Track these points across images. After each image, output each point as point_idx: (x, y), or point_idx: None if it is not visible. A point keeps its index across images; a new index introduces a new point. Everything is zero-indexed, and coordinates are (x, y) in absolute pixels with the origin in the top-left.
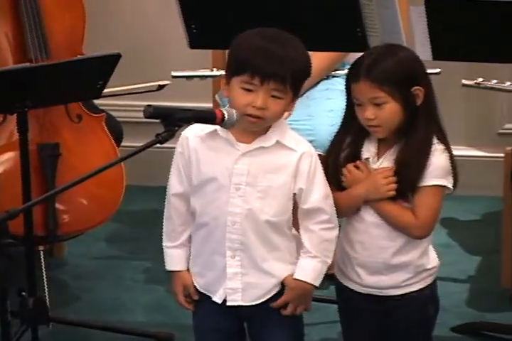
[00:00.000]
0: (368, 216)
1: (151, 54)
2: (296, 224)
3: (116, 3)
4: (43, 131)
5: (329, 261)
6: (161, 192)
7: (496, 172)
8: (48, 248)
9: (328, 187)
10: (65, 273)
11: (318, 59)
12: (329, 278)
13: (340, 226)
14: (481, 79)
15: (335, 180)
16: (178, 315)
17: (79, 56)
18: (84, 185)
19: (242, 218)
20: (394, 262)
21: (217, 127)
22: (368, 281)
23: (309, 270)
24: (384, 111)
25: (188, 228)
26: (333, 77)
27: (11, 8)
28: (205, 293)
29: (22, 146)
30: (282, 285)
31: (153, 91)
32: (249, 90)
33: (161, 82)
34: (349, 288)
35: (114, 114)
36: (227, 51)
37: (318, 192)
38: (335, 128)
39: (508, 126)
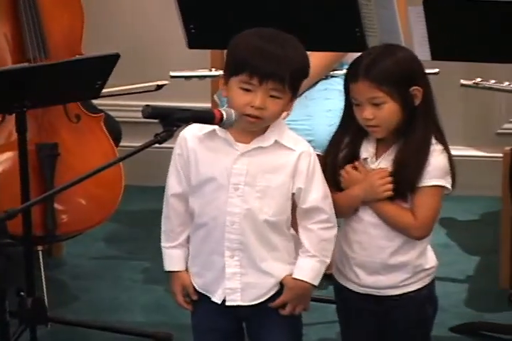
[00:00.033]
0: (366, 216)
1: (149, 54)
2: (294, 224)
3: (116, 3)
4: (42, 131)
5: (328, 260)
6: (159, 192)
7: (494, 172)
8: (47, 248)
9: (326, 187)
10: (64, 273)
11: (316, 59)
12: (328, 278)
13: (338, 226)
14: (479, 79)
15: (333, 180)
16: (177, 315)
17: (77, 56)
18: (83, 185)
19: (240, 218)
20: (392, 262)
21: (216, 127)
22: (366, 281)
23: (308, 269)
24: (382, 111)
25: (187, 228)
26: (332, 77)
27: (10, 8)
28: (204, 293)
29: (21, 146)
30: (281, 285)
31: (152, 91)
32: (247, 90)
33: (160, 82)
34: (347, 288)
35: (112, 113)
36: (225, 51)
37: (317, 192)
38: (333, 128)
39: (506, 126)
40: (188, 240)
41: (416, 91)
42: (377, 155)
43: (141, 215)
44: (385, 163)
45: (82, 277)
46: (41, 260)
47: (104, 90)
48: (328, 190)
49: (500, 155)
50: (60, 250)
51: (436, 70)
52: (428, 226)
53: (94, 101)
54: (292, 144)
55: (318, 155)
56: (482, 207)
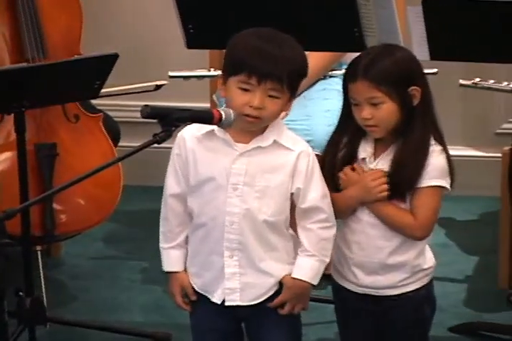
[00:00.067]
0: (365, 216)
1: (148, 54)
2: (293, 224)
3: (114, 4)
4: (41, 131)
5: (327, 259)
6: (158, 192)
7: (493, 172)
8: (45, 248)
9: (325, 186)
10: (63, 273)
11: (314, 59)
12: (326, 278)
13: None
14: (478, 79)
15: (331, 180)
16: (176, 315)
17: (76, 56)
18: (82, 185)
19: (240, 218)
20: (390, 262)
21: (215, 127)
22: (364, 281)
23: (307, 268)
24: (381, 111)
25: (185, 229)
26: (331, 77)
27: (8, 8)
28: (203, 293)
29: (19, 146)
30: (280, 285)
31: (151, 91)
32: (246, 90)
33: (159, 82)
34: (346, 288)
35: (111, 113)
36: (224, 51)
37: (316, 191)
38: (332, 128)
39: (505, 126)
40: (186, 240)
41: (414, 91)
42: (376, 155)
43: (139, 215)
44: (384, 163)
45: (80, 277)
46: (40, 260)
47: (102, 90)
48: (326, 190)
49: (499, 155)
50: (58, 250)
51: (434, 70)
52: (428, 227)
53: (93, 101)
54: (291, 144)
55: (316, 155)
56: (481, 207)
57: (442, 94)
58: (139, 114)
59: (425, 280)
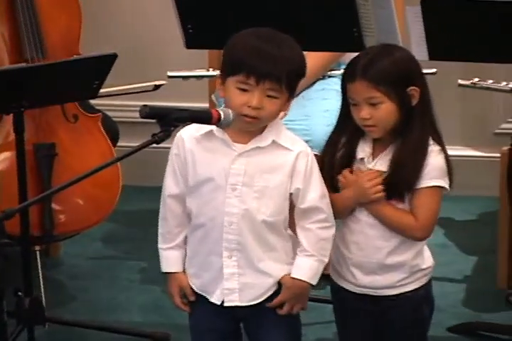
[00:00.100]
0: (363, 216)
1: (147, 54)
2: (291, 224)
3: (113, 4)
4: (39, 131)
5: (326, 259)
6: (157, 192)
7: (492, 173)
8: (44, 248)
9: (324, 186)
10: (61, 273)
11: (313, 59)
12: (325, 278)
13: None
14: (477, 79)
15: (330, 181)
16: (174, 315)
17: (75, 56)
18: (81, 185)
19: (238, 218)
20: (389, 262)
21: (213, 128)
22: (362, 281)
23: (306, 268)
24: (379, 111)
25: (184, 229)
26: (329, 77)
27: (7, 8)
28: (202, 293)
29: (18, 146)
30: (279, 285)
31: (150, 91)
32: (244, 90)
33: (157, 82)
34: (344, 288)
35: (110, 114)
36: (222, 51)
37: (315, 192)
38: (331, 129)
39: (504, 126)
40: (185, 241)
41: (413, 91)
42: (374, 155)
43: (138, 215)
44: (382, 163)
45: (79, 277)
46: (39, 260)
47: (101, 90)
48: (325, 190)
49: (498, 155)
50: (57, 250)
51: (433, 70)
52: (429, 227)
53: (92, 101)
54: (290, 144)
55: (315, 155)
56: (480, 207)
57: (441, 94)
58: (137, 114)
59: (424, 281)
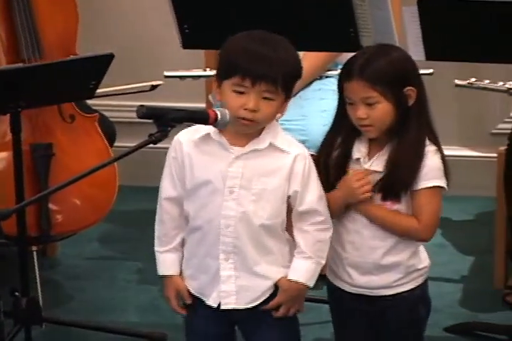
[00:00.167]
0: (359, 216)
1: (144, 54)
2: (288, 227)
3: (111, 4)
4: (36, 131)
5: (323, 262)
6: (154, 192)
7: (489, 173)
8: (41, 248)
9: (322, 189)
10: (58, 274)
11: (310, 59)
12: (323, 278)
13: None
14: (473, 80)
15: (326, 180)
16: (171, 315)
17: (72, 56)
18: (78, 186)
19: (236, 221)
20: (384, 262)
21: (211, 131)
22: (358, 281)
23: (303, 271)
24: (376, 110)
25: (181, 232)
26: (326, 77)
27: (4, 8)
28: (199, 296)
29: (15, 146)
30: (275, 287)
31: (146, 91)
32: (240, 92)
33: (154, 82)
34: (340, 288)
35: (107, 114)
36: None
37: (313, 194)
38: (327, 128)
39: (501, 126)
40: (182, 244)
41: (410, 91)
42: (370, 155)
43: (135, 215)
44: (378, 163)
45: (76, 277)
46: (36, 260)
47: (98, 90)
48: (323, 192)
49: (495, 155)
50: (54, 250)
51: (430, 71)
52: (433, 228)
53: (89, 102)
54: (287, 146)
55: (312, 155)
56: (477, 207)
57: (438, 94)
58: (134, 114)
59: (420, 281)
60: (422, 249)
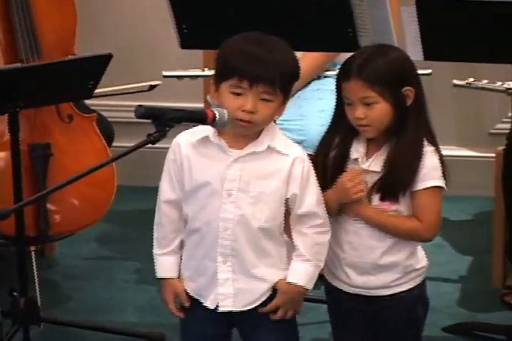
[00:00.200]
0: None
1: (142, 54)
2: (287, 229)
3: (110, 4)
4: (34, 131)
5: (321, 264)
6: (152, 192)
7: (487, 173)
8: (40, 248)
9: (320, 192)
10: (57, 274)
11: (308, 59)
12: (321, 278)
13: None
14: (472, 80)
15: (323, 181)
16: (170, 316)
17: (70, 56)
18: (76, 186)
19: (234, 224)
20: (382, 262)
21: (209, 133)
22: (356, 281)
23: (302, 273)
24: (374, 110)
25: (179, 235)
26: (325, 77)
27: (2, 8)
28: (197, 298)
29: (13, 146)
30: (273, 290)
31: (145, 91)
32: (238, 94)
33: (153, 82)
34: (338, 288)
35: (105, 114)
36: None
37: (312, 197)
38: (326, 128)
39: (499, 126)
40: (180, 246)
41: (408, 91)
42: (368, 155)
43: (133, 215)
44: (376, 163)
45: (74, 277)
46: (34, 260)
47: (96, 90)
48: (321, 195)
49: (493, 155)
50: (52, 250)
51: (429, 71)
52: (435, 227)
53: (87, 102)
54: (285, 149)
55: (310, 154)
56: (475, 207)
57: (436, 94)
58: (133, 114)
59: (418, 281)
60: (419, 249)
